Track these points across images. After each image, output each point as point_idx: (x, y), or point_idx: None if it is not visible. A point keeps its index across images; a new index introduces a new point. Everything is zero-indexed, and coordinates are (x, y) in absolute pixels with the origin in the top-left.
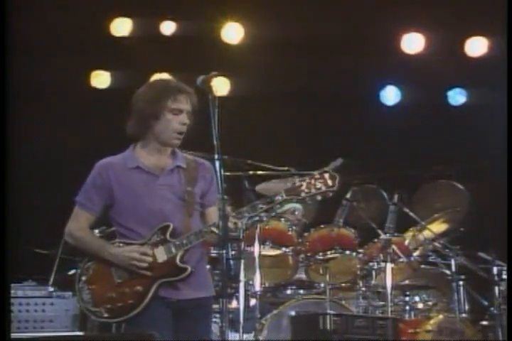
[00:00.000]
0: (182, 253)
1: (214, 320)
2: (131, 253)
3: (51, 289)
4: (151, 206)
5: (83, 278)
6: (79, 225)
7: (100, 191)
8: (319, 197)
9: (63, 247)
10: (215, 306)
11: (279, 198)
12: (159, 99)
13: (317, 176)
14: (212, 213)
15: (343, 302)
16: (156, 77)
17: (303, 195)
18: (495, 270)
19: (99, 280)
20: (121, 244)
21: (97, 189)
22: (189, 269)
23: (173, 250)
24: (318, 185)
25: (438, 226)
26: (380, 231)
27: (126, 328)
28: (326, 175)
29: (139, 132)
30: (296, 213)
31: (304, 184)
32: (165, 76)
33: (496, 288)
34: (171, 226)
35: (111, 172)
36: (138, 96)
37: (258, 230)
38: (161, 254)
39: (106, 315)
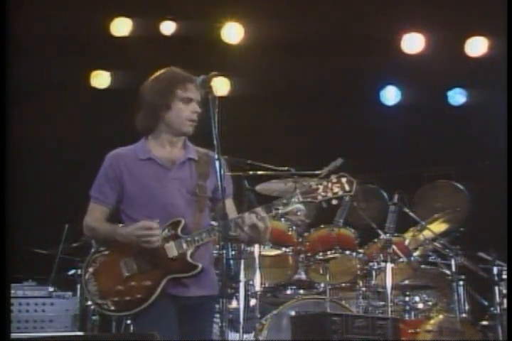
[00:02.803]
0: (193, 250)
1: (214, 319)
2: (138, 232)
3: (51, 289)
4: (162, 199)
5: (90, 270)
6: (93, 217)
7: (113, 183)
8: (335, 202)
9: (63, 247)
10: (215, 306)
11: (295, 200)
12: (169, 89)
13: (334, 180)
14: (230, 205)
15: (343, 302)
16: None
17: (319, 198)
18: (495, 270)
19: (107, 272)
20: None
21: (109, 181)
22: (200, 266)
23: (184, 246)
24: (335, 189)
25: (438, 226)
26: (380, 231)
27: (131, 323)
28: (344, 180)
29: (150, 124)
30: (299, 214)
31: (321, 187)
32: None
33: (496, 288)
34: (183, 222)
35: (122, 163)
36: (146, 89)
37: None
38: (171, 250)
39: (112, 308)
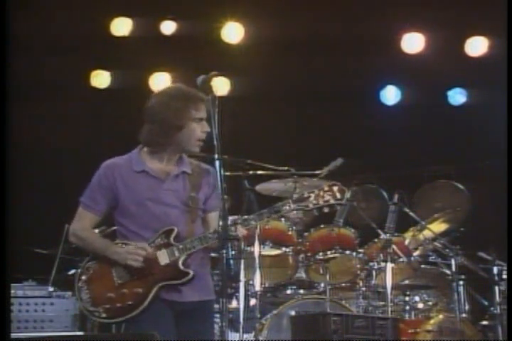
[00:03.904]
0: (185, 258)
1: (214, 320)
2: (132, 249)
3: (51, 289)
4: (155, 210)
5: (83, 278)
6: (83, 225)
7: (105, 192)
8: (326, 210)
9: (63, 247)
10: (215, 306)
11: (286, 208)
12: (184, 109)
13: (326, 188)
14: (214, 218)
15: (343, 302)
16: (156, 77)
17: (310, 206)
18: (495, 270)
19: (99, 280)
20: (123, 245)
21: (102, 190)
22: (191, 273)
23: (176, 253)
24: (327, 198)
25: (438, 226)
26: (380, 231)
27: (127, 329)
28: (335, 188)
29: (159, 141)
30: (295, 212)
31: (313, 195)
32: (172, 83)
33: (496, 288)
34: (176, 230)
35: (117, 173)
36: (160, 107)
37: (258, 230)
38: (163, 257)
39: (104, 315)
